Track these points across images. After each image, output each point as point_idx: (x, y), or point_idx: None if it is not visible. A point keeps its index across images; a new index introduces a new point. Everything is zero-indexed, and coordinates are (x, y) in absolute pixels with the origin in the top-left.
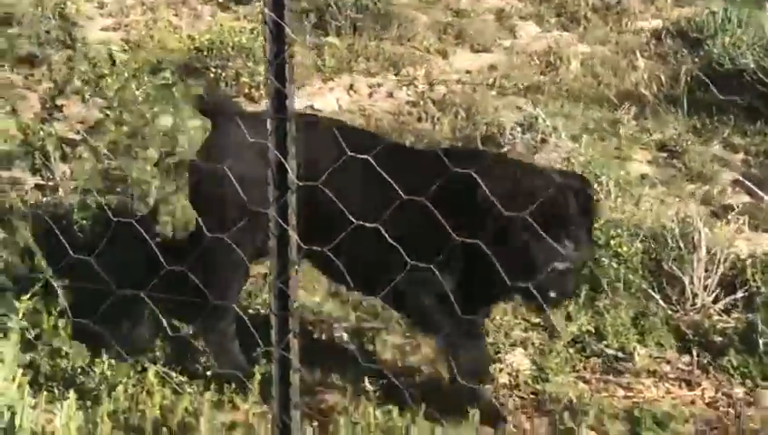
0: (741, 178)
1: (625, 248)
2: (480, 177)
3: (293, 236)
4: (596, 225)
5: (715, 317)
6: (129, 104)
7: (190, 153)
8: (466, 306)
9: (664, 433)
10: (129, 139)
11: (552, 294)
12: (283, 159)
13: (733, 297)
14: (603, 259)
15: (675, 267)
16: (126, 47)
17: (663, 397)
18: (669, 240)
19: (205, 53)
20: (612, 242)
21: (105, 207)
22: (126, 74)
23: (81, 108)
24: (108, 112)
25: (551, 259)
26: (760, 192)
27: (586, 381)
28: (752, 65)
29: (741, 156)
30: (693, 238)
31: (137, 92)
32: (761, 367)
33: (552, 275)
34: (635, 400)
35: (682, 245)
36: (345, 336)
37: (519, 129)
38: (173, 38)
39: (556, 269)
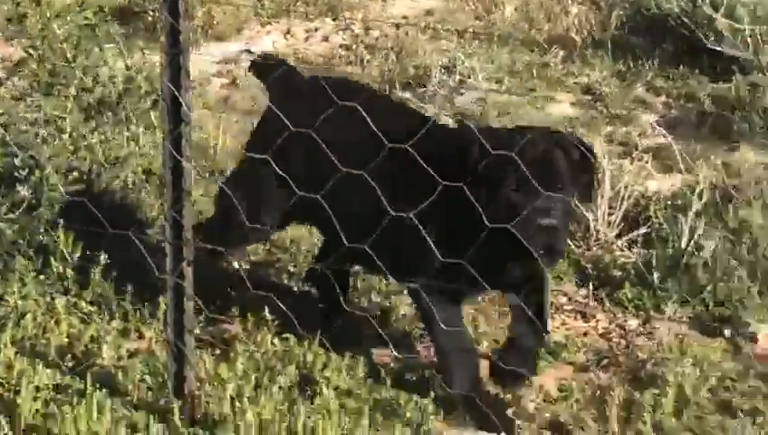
0: (658, 120)
1: None
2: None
3: (188, 166)
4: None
5: (618, 253)
6: (51, 43)
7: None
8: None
9: (556, 362)
10: (51, 77)
11: (541, 252)
12: (176, 93)
13: (636, 233)
14: None
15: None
16: None
17: (558, 328)
18: None
19: None
20: None
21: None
22: (48, 14)
23: (5, 47)
24: (30, 51)
25: (537, 214)
26: (669, 136)
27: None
28: (676, 10)
29: (662, 99)
30: (598, 176)
31: (58, 32)
32: (654, 299)
33: (540, 231)
34: None
35: None
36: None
37: (443, 71)
38: None
39: (543, 226)
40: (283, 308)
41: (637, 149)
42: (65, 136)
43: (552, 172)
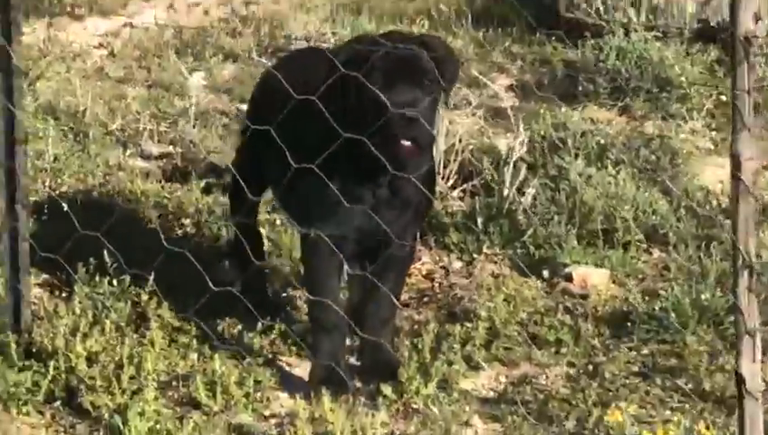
0: (512, 83)
1: None
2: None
3: (20, 116)
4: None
5: (451, 202)
6: None
7: None
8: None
9: None
10: None
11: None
12: (8, 46)
13: (468, 184)
14: None
15: None
16: None
17: None
18: None
19: None
20: None
21: None
22: None
23: None
24: None
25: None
26: (507, 96)
27: None
28: None
29: (518, 63)
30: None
31: None
32: (477, 244)
33: (402, 121)
34: None
35: None
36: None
37: (305, 41)
38: None
39: (405, 116)
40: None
41: (470, 105)
42: None
43: (418, 69)
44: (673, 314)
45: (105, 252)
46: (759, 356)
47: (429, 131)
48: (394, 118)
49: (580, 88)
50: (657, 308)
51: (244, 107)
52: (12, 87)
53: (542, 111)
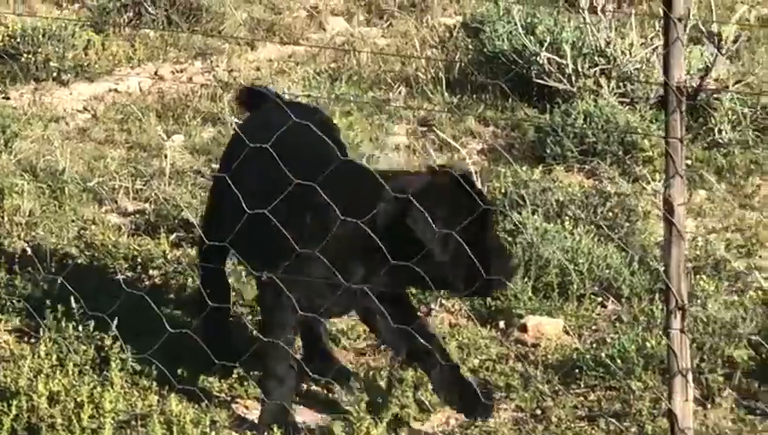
0: (484, 147)
1: None
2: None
3: None
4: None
5: None
6: None
7: None
8: None
9: (337, 347)
10: None
11: None
12: None
13: None
14: None
15: None
16: None
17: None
18: None
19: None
20: None
21: None
22: None
23: None
24: None
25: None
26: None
27: None
28: (505, 47)
29: (491, 128)
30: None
31: None
32: (435, 294)
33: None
34: None
35: None
36: None
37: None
38: None
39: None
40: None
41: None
42: None
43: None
44: (619, 361)
45: (72, 298)
46: (691, 395)
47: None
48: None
49: (549, 151)
50: (604, 355)
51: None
52: None
53: (503, 170)
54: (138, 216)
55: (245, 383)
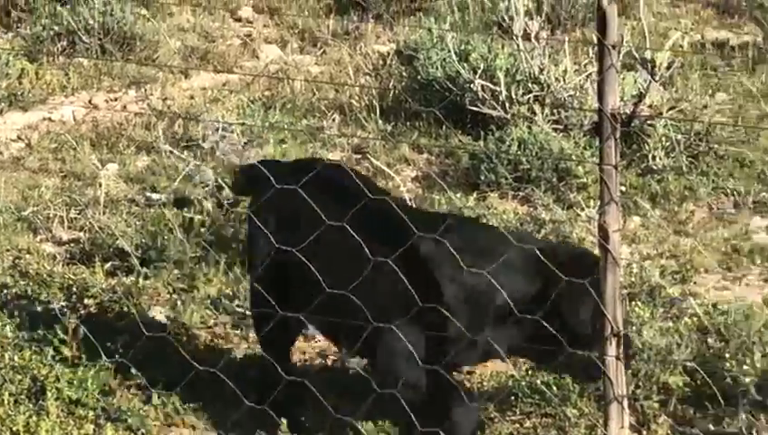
0: (417, 175)
1: None
2: None
3: None
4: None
5: None
6: None
7: None
8: None
9: None
10: None
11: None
12: None
13: None
14: None
15: None
16: None
17: None
18: None
19: None
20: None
21: None
22: None
23: None
24: None
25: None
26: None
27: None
28: (439, 75)
29: (425, 156)
30: None
31: None
32: None
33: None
34: None
35: None
36: None
37: (221, 132)
38: None
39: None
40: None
41: None
42: None
43: None
44: (555, 388)
45: (7, 328)
46: (627, 422)
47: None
48: None
49: (483, 178)
50: (539, 382)
51: (155, 196)
52: None
53: (438, 197)
54: (72, 245)
55: (181, 413)
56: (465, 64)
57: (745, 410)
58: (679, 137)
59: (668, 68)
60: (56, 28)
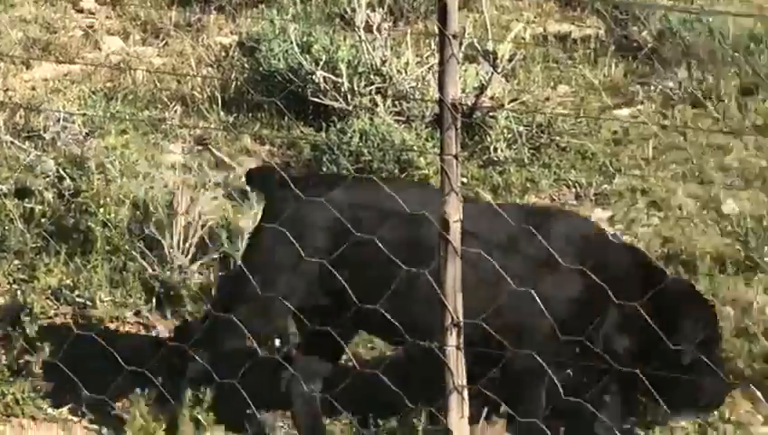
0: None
1: (113, 215)
2: None
3: None
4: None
5: (190, 275)
6: None
7: None
8: None
9: None
10: None
11: None
12: None
13: (207, 258)
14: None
15: (156, 232)
16: None
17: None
18: (158, 209)
19: None
20: (101, 210)
21: None
22: None
23: None
24: None
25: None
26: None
27: None
28: (281, 66)
29: (267, 147)
30: (174, 207)
31: None
32: None
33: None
34: None
35: (166, 213)
36: None
37: (62, 123)
38: None
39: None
40: None
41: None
42: None
43: None
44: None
45: None
46: (467, 412)
47: None
48: None
49: (325, 169)
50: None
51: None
52: None
53: None
54: None
55: (21, 403)
56: (307, 56)
57: None
58: (521, 129)
59: (510, 60)
60: None
